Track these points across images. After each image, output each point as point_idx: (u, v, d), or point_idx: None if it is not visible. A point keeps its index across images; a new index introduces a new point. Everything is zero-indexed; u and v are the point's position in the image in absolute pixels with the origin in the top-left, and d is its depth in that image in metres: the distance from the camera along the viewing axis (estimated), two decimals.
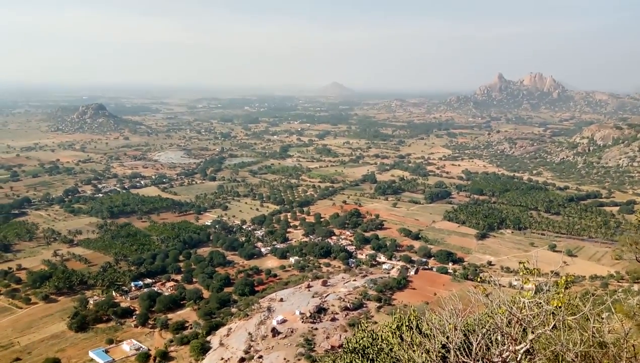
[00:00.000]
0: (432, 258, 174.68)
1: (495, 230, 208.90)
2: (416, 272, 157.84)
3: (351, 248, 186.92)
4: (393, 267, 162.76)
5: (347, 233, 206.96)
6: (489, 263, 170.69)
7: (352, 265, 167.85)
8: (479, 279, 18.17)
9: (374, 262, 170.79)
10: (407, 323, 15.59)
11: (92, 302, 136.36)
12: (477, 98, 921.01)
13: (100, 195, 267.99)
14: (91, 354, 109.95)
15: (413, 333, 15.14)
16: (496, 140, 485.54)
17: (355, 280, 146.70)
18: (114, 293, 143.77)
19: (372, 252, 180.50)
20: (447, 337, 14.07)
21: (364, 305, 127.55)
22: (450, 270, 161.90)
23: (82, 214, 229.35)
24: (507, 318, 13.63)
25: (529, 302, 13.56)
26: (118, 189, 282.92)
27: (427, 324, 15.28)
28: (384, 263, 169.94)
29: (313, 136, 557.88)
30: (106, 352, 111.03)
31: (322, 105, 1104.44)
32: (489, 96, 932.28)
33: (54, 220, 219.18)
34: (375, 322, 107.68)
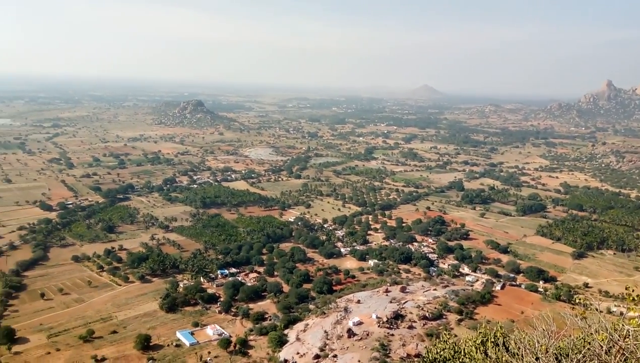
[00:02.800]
0: (521, 274, 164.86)
1: (594, 250, 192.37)
2: (502, 288, 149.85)
3: (433, 256, 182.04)
4: (477, 280, 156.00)
5: (430, 240, 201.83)
6: (585, 285, 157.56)
7: (433, 273, 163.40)
8: (577, 300, 16.83)
9: (456, 273, 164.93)
10: (492, 340, 14.91)
11: (182, 286, 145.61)
12: (582, 106, 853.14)
13: (195, 186, 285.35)
14: (178, 334, 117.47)
15: (499, 351, 14.44)
16: (601, 152, 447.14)
17: (435, 290, 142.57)
18: (201, 279, 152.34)
19: (455, 262, 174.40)
20: (537, 358, 13.26)
21: (444, 316, 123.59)
22: (540, 289, 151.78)
23: (177, 203, 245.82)
24: (606, 345, 12.56)
25: (634, 331, 12.40)
26: (211, 181, 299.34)
27: (515, 343, 14.51)
28: (467, 275, 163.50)
29: (399, 139, 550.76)
30: (192, 334, 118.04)
31: (410, 108, 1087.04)
32: (595, 105, 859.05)
33: (153, 207, 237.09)
34: (455, 335, 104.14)
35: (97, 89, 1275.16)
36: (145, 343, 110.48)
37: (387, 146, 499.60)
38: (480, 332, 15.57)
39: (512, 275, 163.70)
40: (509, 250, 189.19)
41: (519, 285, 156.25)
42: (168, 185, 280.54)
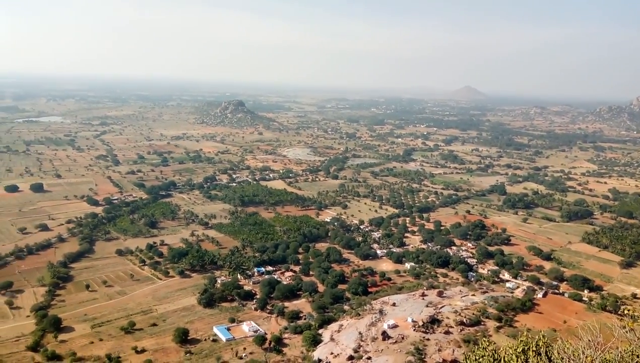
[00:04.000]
0: (565, 282, 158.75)
1: None
2: (544, 295, 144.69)
3: (472, 261, 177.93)
4: (518, 287, 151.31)
5: (469, 245, 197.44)
6: (634, 295, 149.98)
7: (472, 279, 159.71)
8: (624, 311, 15.90)
9: (496, 279, 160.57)
10: (534, 349, 14.29)
11: (219, 282, 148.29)
12: (634, 109, 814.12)
13: (234, 184, 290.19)
14: (215, 329, 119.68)
15: (541, 360, 13.83)
16: None
17: (474, 295, 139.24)
18: (238, 276, 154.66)
19: (495, 267, 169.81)
20: None
21: (482, 323, 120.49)
22: (585, 298, 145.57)
23: (217, 200, 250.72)
24: None
25: None
26: (249, 180, 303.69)
27: (558, 353, 13.85)
28: (507, 281, 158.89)
29: (439, 141, 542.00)
30: (228, 329, 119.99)
31: (451, 110, 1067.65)
32: None
33: (194, 204, 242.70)
34: (494, 343, 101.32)
35: (143, 89, 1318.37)
36: (183, 337, 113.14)
37: (426, 148, 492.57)
38: (521, 340, 14.99)
39: (555, 283, 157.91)
40: (552, 257, 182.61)
41: (562, 294, 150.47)
42: (208, 183, 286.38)
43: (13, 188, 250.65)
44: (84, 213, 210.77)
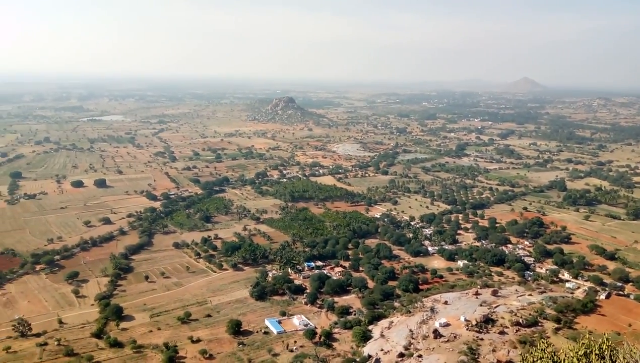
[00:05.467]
0: (630, 283, 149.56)
1: None
2: (607, 297, 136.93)
3: (529, 259, 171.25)
4: (578, 287, 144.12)
5: (526, 243, 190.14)
6: None
7: (529, 278, 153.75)
8: None
9: (554, 279, 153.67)
10: (597, 352, 13.50)
11: (270, 276, 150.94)
12: None
13: (284, 180, 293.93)
14: (267, 322, 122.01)
15: None
16: None
17: (530, 295, 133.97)
18: (289, 270, 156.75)
19: (554, 267, 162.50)
20: None
21: (539, 324, 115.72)
22: None
23: (268, 196, 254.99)
24: None
25: None
26: (299, 176, 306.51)
27: (624, 357, 13.01)
28: (567, 281, 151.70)
29: (494, 135, 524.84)
30: (279, 322, 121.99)
31: (507, 102, 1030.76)
32: None
33: (246, 199, 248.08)
34: (552, 345, 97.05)
35: (198, 88, 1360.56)
36: (236, 328, 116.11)
37: (480, 142, 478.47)
38: (582, 343, 14.22)
39: (619, 284, 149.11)
40: (616, 256, 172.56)
41: (627, 295, 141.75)
42: (260, 179, 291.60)
43: (79, 184, 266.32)
44: (144, 208, 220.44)
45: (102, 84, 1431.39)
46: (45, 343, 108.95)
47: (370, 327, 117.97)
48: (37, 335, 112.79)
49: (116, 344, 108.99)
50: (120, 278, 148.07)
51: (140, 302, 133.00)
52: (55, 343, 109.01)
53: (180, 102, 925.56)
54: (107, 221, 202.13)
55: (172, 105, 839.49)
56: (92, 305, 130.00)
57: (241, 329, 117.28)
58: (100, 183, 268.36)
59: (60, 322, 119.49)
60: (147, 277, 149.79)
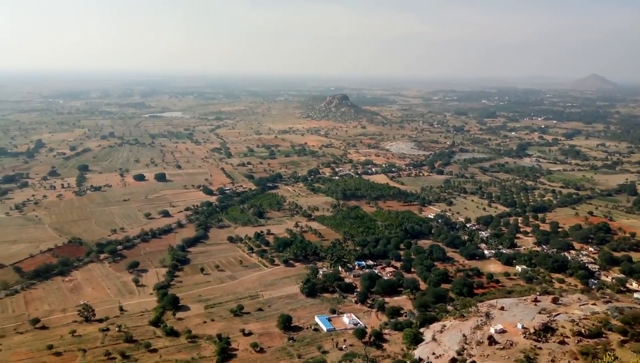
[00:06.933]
0: None
1: None
2: None
3: (593, 267, 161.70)
4: None
5: (590, 249, 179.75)
6: None
7: (593, 286, 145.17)
8: None
9: (622, 288, 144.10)
10: None
11: (321, 273, 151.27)
12: None
13: (337, 177, 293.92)
14: (317, 319, 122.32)
15: None
16: None
17: (594, 305, 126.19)
18: (339, 268, 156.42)
19: (621, 275, 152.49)
20: None
21: (603, 335, 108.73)
22: None
23: (320, 193, 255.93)
24: None
25: None
26: (352, 174, 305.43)
27: None
28: (635, 291, 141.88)
29: (559, 135, 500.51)
30: (329, 320, 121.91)
31: (574, 101, 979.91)
32: None
33: (298, 196, 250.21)
34: (617, 358, 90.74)
35: (254, 85, 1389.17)
36: (286, 324, 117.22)
37: (543, 142, 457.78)
38: None
39: None
40: None
41: None
42: (312, 176, 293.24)
43: (140, 178, 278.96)
44: (200, 202, 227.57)
45: (164, 81, 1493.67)
46: (107, 329, 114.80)
47: (421, 330, 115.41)
48: (100, 320, 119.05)
49: (172, 333, 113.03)
50: (177, 270, 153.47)
51: (195, 293, 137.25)
52: (116, 329, 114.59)
53: (236, 99, 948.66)
54: (166, 214, 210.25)
55: (228, 102, 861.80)
56: (151, 294, 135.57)
57: (291, 324, 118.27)
58: (160, 178, 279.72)
59: (121, 309, 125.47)
60: (202, 269, 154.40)
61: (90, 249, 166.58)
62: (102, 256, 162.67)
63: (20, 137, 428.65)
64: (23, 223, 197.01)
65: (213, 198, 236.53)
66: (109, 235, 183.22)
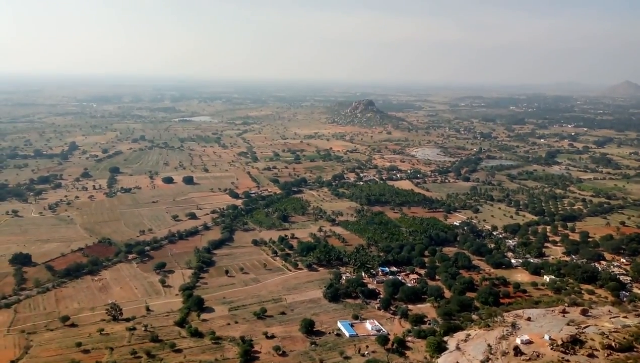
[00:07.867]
0: None
1: None
2: None
3: (625, 279, 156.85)
4: None
5: (622, 260, 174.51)
6: None
7: (624, 299, 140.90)
8: None
9: None
10: None
11: (344, 278, 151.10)
12: None
13: (361, 183, 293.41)
14: (339, 324, 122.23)
15: None
16: None
17: (626, 317, 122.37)
18: (363, 274, 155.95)
19: None
20: None
21: (635, 349, 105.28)
22: None
23: (344, 198, 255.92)
24: None
25: None
26: (376, 179, 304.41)
27: None
28: None
29: (589, 143, 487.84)
30: (352, 325, 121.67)
31: (606, 108, 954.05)
32: None
33: (322, 200, 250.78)
34: None
35: (280, 90, 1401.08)
36: (309, 328, 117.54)
37: (573, 150, 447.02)
38: None
39: None
40: None
41: None
42: (336, 181, 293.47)
43: (169, 180, 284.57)
44: (226, 205, 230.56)
45: (192, 86, 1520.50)
46: (134, 328, 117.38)
47: (445, 338, 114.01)
48: (127, 319, 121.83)
49: (196, 334, 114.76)
50: (203, 271, 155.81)
51: (220, 295, 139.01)
52: (143, 328, 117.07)
53: (263, 104, 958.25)
54: (192, 216, 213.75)
55: (255, 107, 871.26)
56: (177, 295, 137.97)
57: (314, 329, 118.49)
58: (188, 180, 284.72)
59: (148, 309, 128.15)
60: (227, 272, 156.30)
61: (119, 249, 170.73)
62: (130, 256, 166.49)
63: (55, 139, 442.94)
64: (55, 223, 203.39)
65: (239, 202, 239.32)
66: (138, 236, 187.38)
